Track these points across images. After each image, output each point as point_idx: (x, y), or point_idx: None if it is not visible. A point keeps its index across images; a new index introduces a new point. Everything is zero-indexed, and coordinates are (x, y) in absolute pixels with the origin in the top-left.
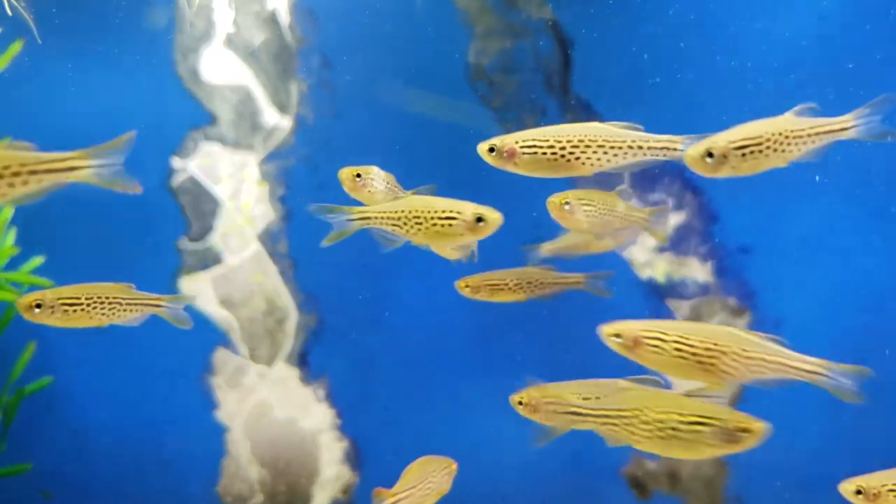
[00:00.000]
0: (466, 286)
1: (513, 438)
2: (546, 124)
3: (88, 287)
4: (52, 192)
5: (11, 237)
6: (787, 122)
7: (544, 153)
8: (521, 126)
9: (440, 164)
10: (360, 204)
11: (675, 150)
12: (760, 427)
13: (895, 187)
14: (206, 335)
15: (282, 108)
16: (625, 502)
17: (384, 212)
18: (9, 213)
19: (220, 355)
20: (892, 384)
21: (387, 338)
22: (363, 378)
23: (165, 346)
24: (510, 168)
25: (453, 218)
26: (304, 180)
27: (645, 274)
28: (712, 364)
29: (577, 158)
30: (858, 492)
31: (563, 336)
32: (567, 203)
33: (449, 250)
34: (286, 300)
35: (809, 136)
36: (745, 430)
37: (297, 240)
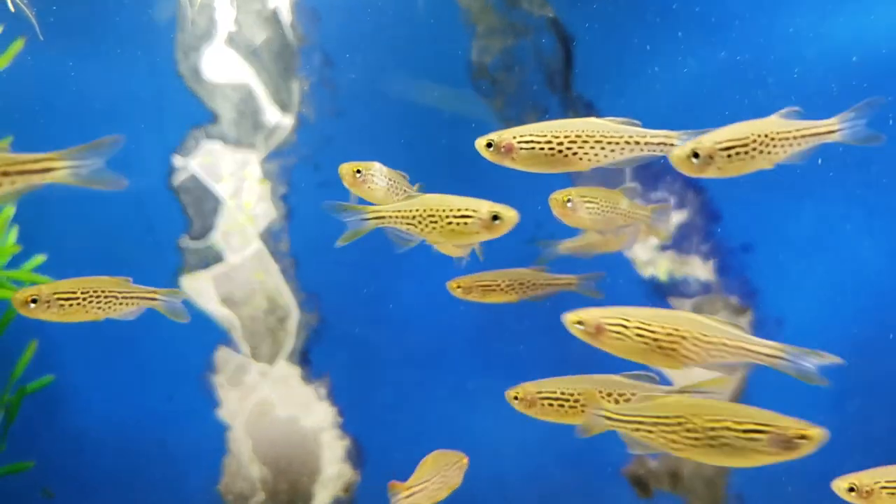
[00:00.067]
0: (458, 287)
1: (514, 437)
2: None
3: (84, 281)
4: (27, 193)
5: (13, 235)
6: (773, 124)
7: (542, 148)
8: (523, 124)
9: (442, 162)
10: (364, 201)
11: (672, 145)
12: (819, 433)
13: None
14: (208, 334)
15: (283, 106)
16: (626, 501)
17: (399, 211)
18: (10, 211)
19: (222, 354)
20: (895, 382)
21: (388, 336)
22: (365, 376)
23: (167, 344)
24: (507, 163)
25: (469, 216)
26: (305, 179)
27: (647, 272)
28: (673, 349)
29: (575, 154)
30: (851, 489)
31: (565, 334)
32: (569, 200)
33: (452, 248)
34: (288, 299)
35: (795, 138)
36: (803, 437)
37: (298, 238)
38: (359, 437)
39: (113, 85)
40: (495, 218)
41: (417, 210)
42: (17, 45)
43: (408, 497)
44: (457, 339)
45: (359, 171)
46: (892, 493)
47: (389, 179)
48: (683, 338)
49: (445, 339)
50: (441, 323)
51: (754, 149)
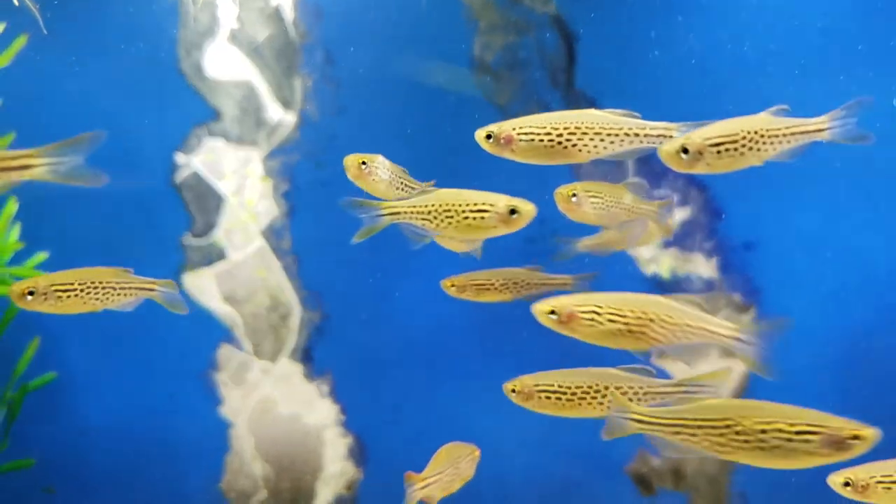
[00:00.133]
0: (452, 285)
1: (517, 434)
2: None
3: (81, 272)
4: (6, 190)
5: (16, 232)
6: (763, 121)
7: (541, 140)
8: None
9: (445, 159)
10: (366, 195)
11: (671, 137)
12: (872, 433)
13: None
14: (210, 331)
15: (286, 103)
16: (629, 499)
17: (414, 206)
18: (13, 208)
19: (224, 351)
20: None
21: (391, 333)
22: (367, 374)
23: (169, 342)
24: (507, 155)
25: (486, 210)
26: (307, 176)
27: (650, 270)
28: (643, 332)
29: (574, 146)
30: (847, 483)
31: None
32: (574, 195)
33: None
34: (290, 296)
35: (785, 135)
36: (856, 437)
37: (300, 236)
38: (361, 434)
39: (115, 82)
40: (513, 212)
41: (433, 205)
42: (20, 42)
43: (423, 488)
44: (459, 336)
45: (364, 163)
46: (888, 488)
47: (392, 173)
48: (651, 321)
49: (448, 336)
50: (443, 320)
51: (744, 145)
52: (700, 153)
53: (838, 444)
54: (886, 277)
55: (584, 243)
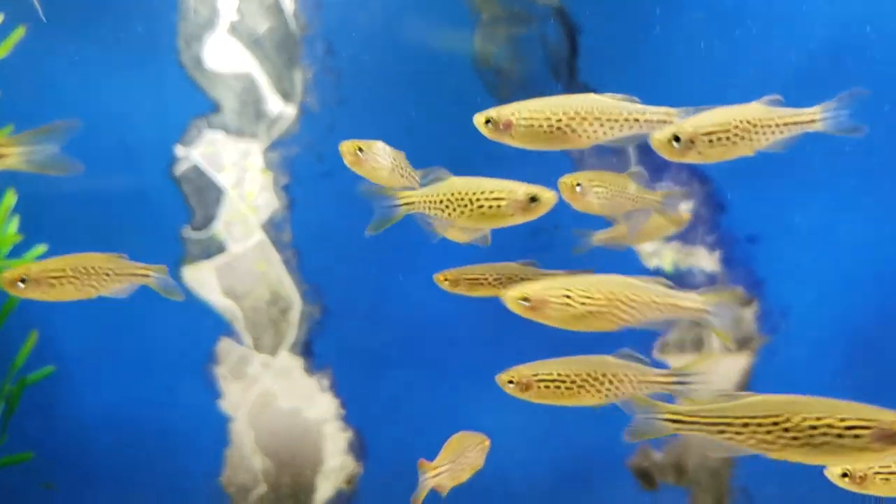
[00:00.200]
0: (445, 280)
1: (518, 429)
2: None
3: (74, 258)
4: None
5: (14, 225)
6: (756, 110)
7: (540, 125)
8: None
9: (446, 150)
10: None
11: (672, 122)
12: None
13: None
14: (210, 325)
15: (286, 95)
16: (631, 493)
17: (428, 195)
18: (12, 200)
19: (224, 345)
20: None
21: (391, 327)
22: (368, 368)
23: (168, 335)
24: (506, 140)
25: (503, 199)
26: (308, 169)
27: (652, 263)
28: (612, 313)
29: (574, 131)
30: (844, 475)
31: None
32: (578, 185)
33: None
34: (290, 289)
35: (778, 125)
36: None
37: (300, 229)
38: (361, 428)
39: (114, 74)
40: (533, 199)
41: (448, 194)
42: (19, 33)
43: (434, 476)
44: (460, 330)
45: (360, 150)
46: (886, 479)
47: (394, 159)
48: (620, 300)
49: (448, 330)
50: (445, 314)
51: (736, 135)
52: (692, 142)
53: (891, 438)
54: (890, 271)
55: (598, 237)
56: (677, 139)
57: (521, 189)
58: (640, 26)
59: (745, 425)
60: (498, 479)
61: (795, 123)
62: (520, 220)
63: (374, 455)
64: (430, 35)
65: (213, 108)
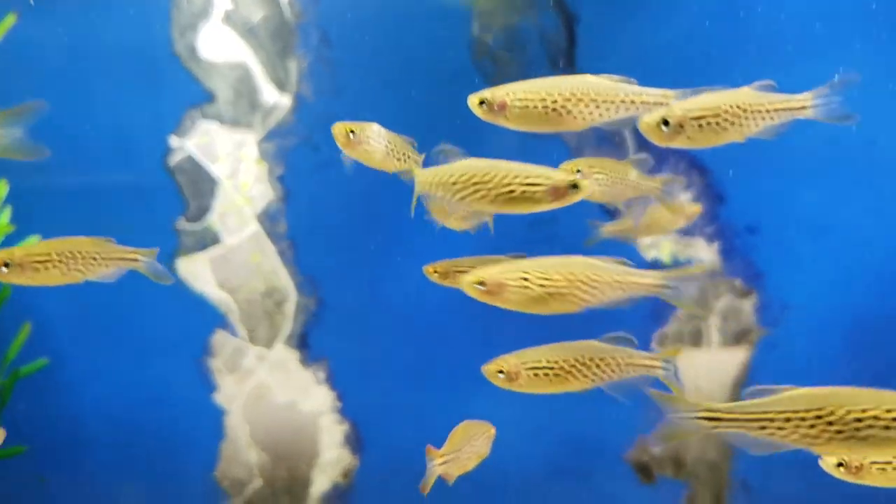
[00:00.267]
0: (435, 272)
1: (515, 422)
2: None
3: (60, 242)
4: None
5: (6, 215)
6: (747, 95)
7: (535, 106)
8: None
9: (442, 141)
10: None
11: (668, 105)
12: None
13: None
14: (204, 317)
15: (281, 85)
16: (629, 486)
17: (439, 176)
18: (4, 190)
19: (219, 337)
20: None
21: (388, 319)
22: (364, 360)
23: (163, 327)
24: (501, 122)
25: (539, 184)
26: (303, 159)
27: (650, 255)
28: (573, 294)
29: (569, 113)
30: (840, 464)
31: (566, 318)
32: (578, 171)
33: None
34: (285, 281)
35: (768, 111)
36: None
37: (296, 220)
38: (358, 421)
39: (108, 64)
40: (573, 187)
41: (468, 175)
42: (10, 21)
43: (442, 464)
44: (457, 323)
45: (352, 132)
46: (882, 469)
47: (388, 142)
48: (581, 282)
49: (445, 322)
50: (441, 306)
51: (726, 119)
52: (681, 126)
53: None
54: (890, 262)
55: (608, 229)
56: (666, 123)
57: (558, 175)
58: (638, 16)
59: (788, 420)
60: (495, 473)
61: (786, 109)
62: (546, 207)
63: (371, 448)
64: (427, 24)
65: (208, 98)
